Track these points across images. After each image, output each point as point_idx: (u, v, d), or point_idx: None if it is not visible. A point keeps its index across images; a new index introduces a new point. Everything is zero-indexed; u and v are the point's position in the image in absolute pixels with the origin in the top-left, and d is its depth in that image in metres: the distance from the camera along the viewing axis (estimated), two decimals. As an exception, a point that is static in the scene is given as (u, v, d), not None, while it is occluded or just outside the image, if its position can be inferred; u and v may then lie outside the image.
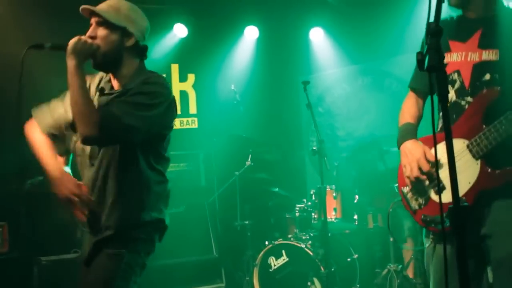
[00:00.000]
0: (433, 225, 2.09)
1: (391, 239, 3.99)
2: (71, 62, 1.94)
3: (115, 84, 2.14)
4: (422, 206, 2.15)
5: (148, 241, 2.14)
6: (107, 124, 1.87)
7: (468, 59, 2.10)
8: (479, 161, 1.99)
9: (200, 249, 5.04)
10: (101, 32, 2.03)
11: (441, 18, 2.22)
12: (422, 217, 2.14)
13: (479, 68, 2.07)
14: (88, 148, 2.12)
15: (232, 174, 5.00)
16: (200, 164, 5.44)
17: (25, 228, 4.40)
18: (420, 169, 2.10)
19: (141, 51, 2.15)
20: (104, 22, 2.03)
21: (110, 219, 2.06)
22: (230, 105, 5.35)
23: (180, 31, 5.72)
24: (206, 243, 5.08)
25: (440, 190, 2.05)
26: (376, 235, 4.38)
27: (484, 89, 2.04)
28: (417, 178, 2.12)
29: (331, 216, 4.34)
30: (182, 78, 6.00)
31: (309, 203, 4.44)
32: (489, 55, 2.06)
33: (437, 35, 1.46)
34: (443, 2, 2.07)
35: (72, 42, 1.96)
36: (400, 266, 4.01)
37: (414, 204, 2.18)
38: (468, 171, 2.01)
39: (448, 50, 2.16)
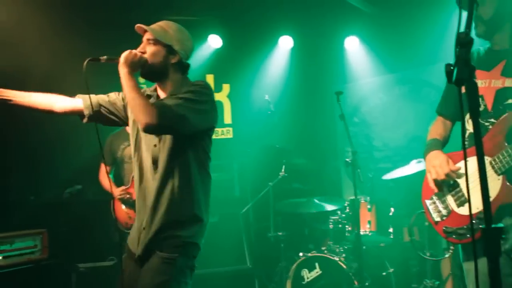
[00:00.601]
0: (453, 236, 2.22)
1: (428, 254, 3.86)
2: (123, 70, 2.21)
3: (161, 94, 2.40)
4: (444, 218, 2.26)
5: (195, 244, 2.28)
6: (163, 113, 2.10)
7: (492, 85, 2.23)
8: (501, 177, 2.09)
9: (234, 260, 5.04)
10: (151, 48, 2.31)
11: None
12: (444, 228, 2.25)
13: (502, 93, 2.18)
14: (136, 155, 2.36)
15: (266, 185, 4.98)
16: (234, 174, 5.46)
17: (63, 235, 4.51)
18: (444, 173, 2.21)
19: (184, 68, 2.41)
20: (153, 40, 2.31)
21: (163, 217, 2.23)
22: (264, 115, 5.34)
23: (214, 42, 5.78)
24: (239, 253, 5.07)
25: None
26: (412, 249, 4.25)
27: (507, 111, 2.15)
28: (443, 181, 2.23)
29: (366, 228, 4.25)
30: (217, 88, 6.06)
31: (343, 215, 4.36)
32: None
33: (467, 46, 1.44)
34: (475, 10, 2.05)
35: (124, 54, 2.24)
36: (437, 283, 3.87)
37: (436, 216, 2.30)
38: (490, 186, 2.03)
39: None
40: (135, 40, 2.42)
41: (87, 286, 4.35)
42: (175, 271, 2.17)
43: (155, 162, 2.29)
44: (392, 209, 4.26)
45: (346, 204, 4.36)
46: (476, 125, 1.45)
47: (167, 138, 2.28)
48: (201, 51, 5.80)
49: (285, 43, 5.97)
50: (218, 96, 6.04)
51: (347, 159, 3.87)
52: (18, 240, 4.12)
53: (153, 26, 2.36)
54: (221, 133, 5.98)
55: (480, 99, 2.20)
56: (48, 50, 4.58)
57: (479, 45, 2.33)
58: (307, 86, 6.05)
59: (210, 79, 6.03)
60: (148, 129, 2.14)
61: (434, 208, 2.32)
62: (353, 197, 3.97)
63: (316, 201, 4.54)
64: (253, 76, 5.99)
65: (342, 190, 5.93)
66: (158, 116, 2.08)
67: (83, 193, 5.05)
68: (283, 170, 4.83)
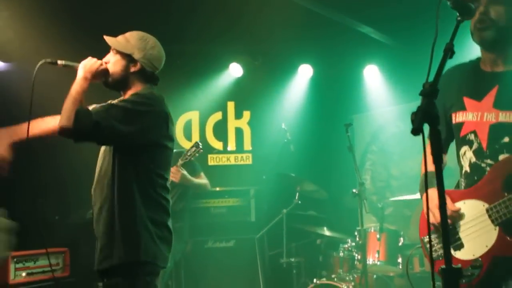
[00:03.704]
0: None
1: None
2: (79, 74, 2.24)
3: None
4: (441, 258, 2.12)
5: (144, 263, 2.19)
6: (79, 118, 2.06)
7: (484, 119, 2.04)
8: (497, 228, 1.95)
9: (248, 284, 5.09)
10: (113, 58, 2.38)
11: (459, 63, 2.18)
12: (440, 269, 2.10)
13: (497, 129, 2.00)
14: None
15: (281, 212, 5.04)
16: (250, 200, 5.55)
17: (84, 254, 4.68)
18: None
19: (148, 77, 2.41)
20: (114, 50, 2.39)
21: (103, 236, 2.22)
22: (281, 143, 5.43)
23: (235, 70, 5.94)
24: (254, 278, 5.12)
25: (458, 246, 2.06)
26: (424, 280, 4.21)
27: (505, 154, 1.98)
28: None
29: (374, 258, 4.26)
30: (238, 115, 6.20)
31: (353, 244, 4.39)
32: (506, 117, 1.99)
33: (430, 97, 1.44)
34: (450, 58, 2.04)
35: (84, 61, 2.29)
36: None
37: (433, 254, 2.15)
38: (487, 235, 1.98)
39: (463, 108, 2.12)
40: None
41: (105, 305, 4.50)
42: None
43: (100, 176, 2.29)
44: (401, 239, 4.26)
45: (355, 234, 4.38)
46: (438, 174, 1.42)
47: (109, 152, 2.26)
48: (222, 79, 5.98)
49: (305, 71, 6.08)
50: (238, 123, 6.19)
51: (354, 190, 3.93)
52: (42, 258, 4.33)
53: (118, 37, 2.41)
54: (240, 159, 6.11)
55: (473, 135, 2.06)
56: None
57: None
58: (324, 115, 6.09)
59: (231, 106, 6.19)
60: (62, 132, 2.10)
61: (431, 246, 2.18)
62: (358, 228, 3.99)
63: (325, 228, 4.59)
64: (272, 104, 6.10)
65: (357, 219, 5.92)
66: (74, 120, 2.04)
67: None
68: (297, 197, 4.91)
